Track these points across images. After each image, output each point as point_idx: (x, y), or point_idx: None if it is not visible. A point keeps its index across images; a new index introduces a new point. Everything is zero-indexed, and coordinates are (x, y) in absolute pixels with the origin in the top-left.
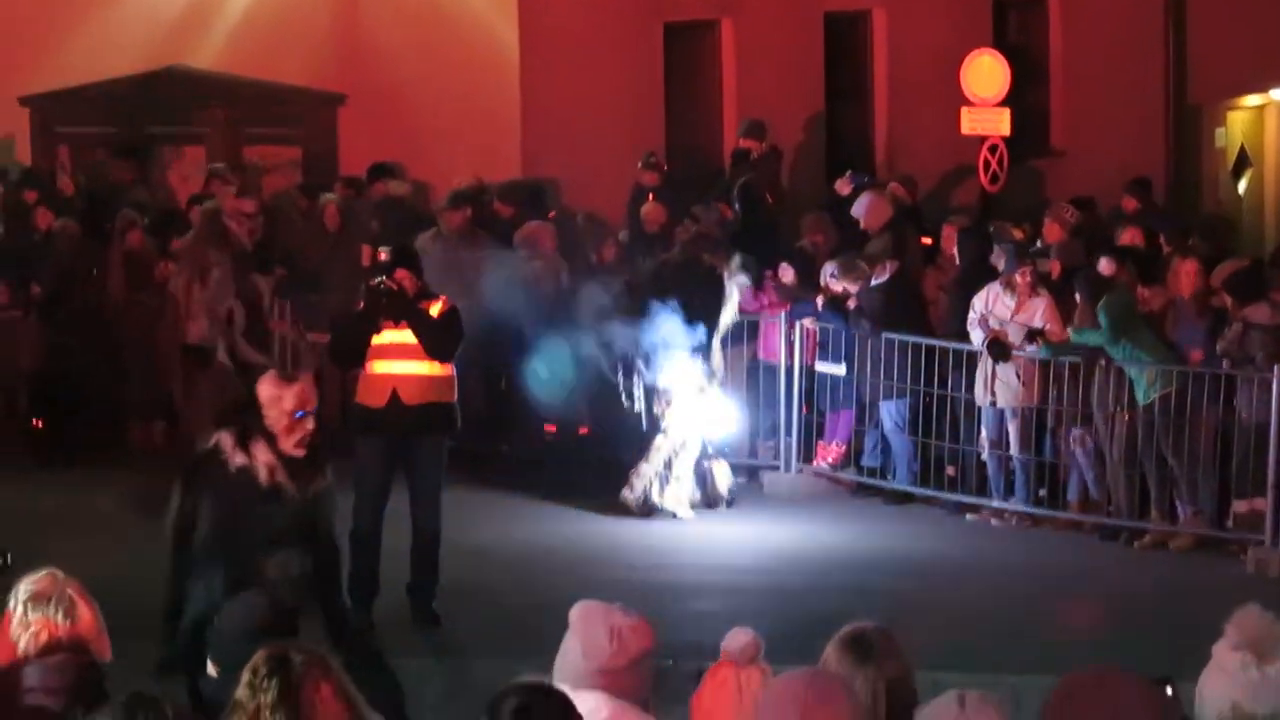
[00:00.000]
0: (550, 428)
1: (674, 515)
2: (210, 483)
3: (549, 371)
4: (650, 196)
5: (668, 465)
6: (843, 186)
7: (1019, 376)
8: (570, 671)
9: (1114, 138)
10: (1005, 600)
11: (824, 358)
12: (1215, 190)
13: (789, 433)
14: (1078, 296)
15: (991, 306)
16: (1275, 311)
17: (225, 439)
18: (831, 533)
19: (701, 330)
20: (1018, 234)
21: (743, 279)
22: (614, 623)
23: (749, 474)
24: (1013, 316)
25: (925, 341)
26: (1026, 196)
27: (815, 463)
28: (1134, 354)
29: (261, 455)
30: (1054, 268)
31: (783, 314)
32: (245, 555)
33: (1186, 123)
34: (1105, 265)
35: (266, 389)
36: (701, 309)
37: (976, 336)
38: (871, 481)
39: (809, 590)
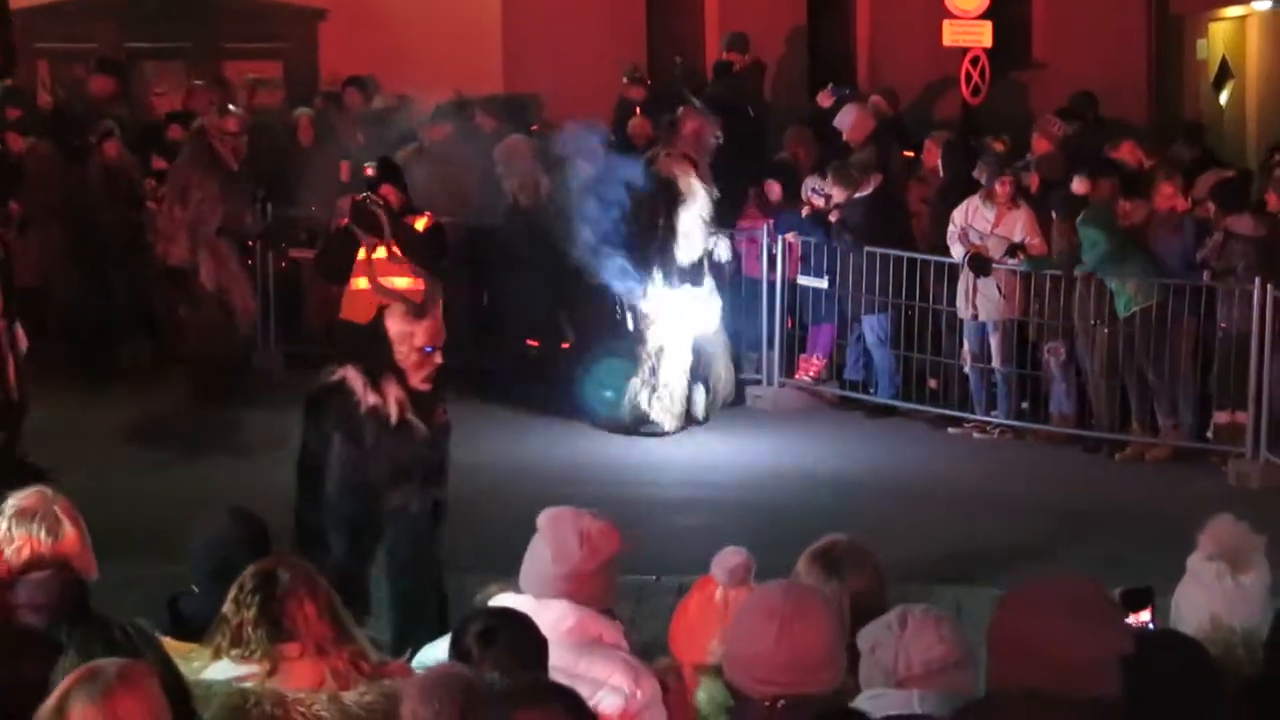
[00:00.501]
0: (533, 342)
1: (662, 427)
2: (340, 420)
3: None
4: (636, 110)
5: (653, 373)
6: (824, 99)
7: (1000, 290)
8: (537, 578)
9: (1095, 49)
10: (986, 513)
11: (806, 271)
12: (1197, 102)
13: (771, 347)
14: (1054, 214)
15: (971, 220)
16: (1259, 223)
17: (354, 376)
18: (814, 447)
19: (674, 248)
20: (999, 146)
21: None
22: (583, 526)
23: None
24: (992, 230)
25: (907, 255)
26: (1009, 109)
27: (797, 376)
28: (1116, 268)
29: (393, 392)
30: (1033, 181)
31: (765, 227)
32: (374, 491)
33: (1168, 34)
34: (1079, 184)
35: (396, 324)
36: (669, 228)
37: (957, 250)
38: (854, 395)
39: (791, 505)
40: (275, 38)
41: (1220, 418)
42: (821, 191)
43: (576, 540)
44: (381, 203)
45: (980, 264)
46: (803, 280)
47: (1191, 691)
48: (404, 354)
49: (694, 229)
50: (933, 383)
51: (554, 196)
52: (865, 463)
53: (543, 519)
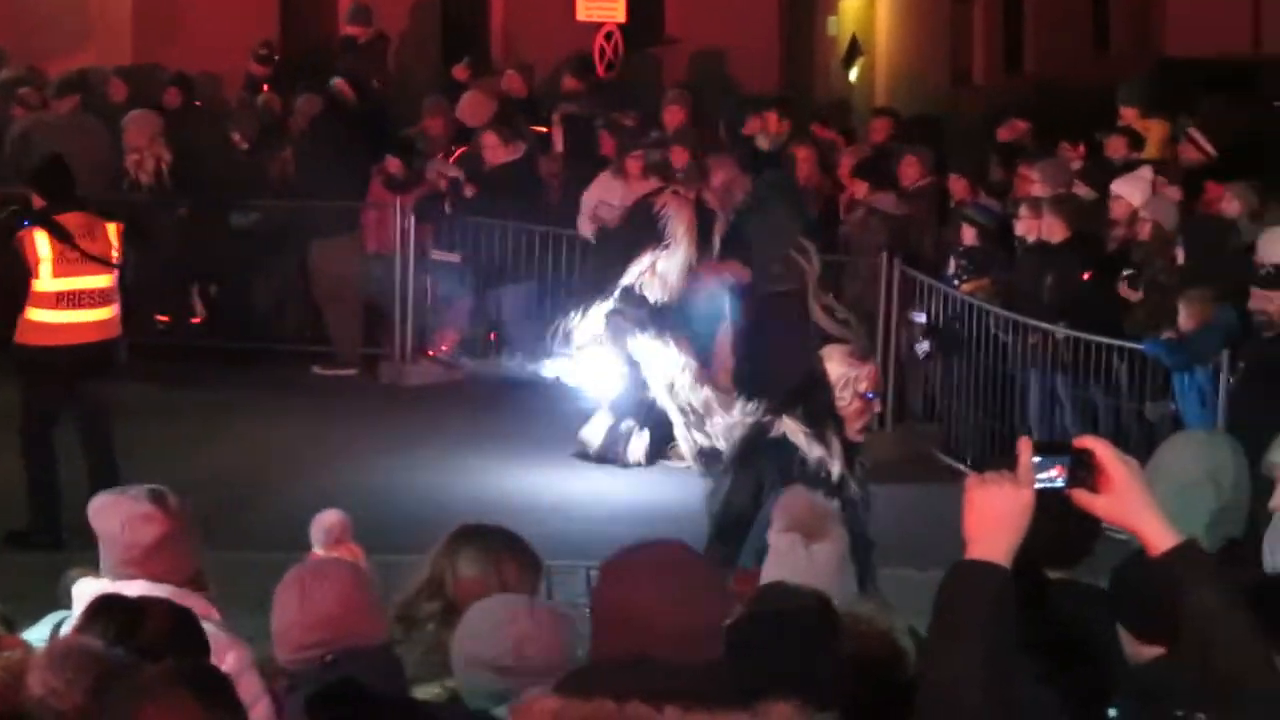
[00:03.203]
0: (163, 318)
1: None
2: (780, 474)
3: None
4: (264, 87)
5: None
6: (460, 73)
7: None
8: (105, 567)
9: (727, 26)
10: None
11: (438, 246)
12: (828, 79)
13: (404, 322)
14: None
15: (603, 195)
16: (901, 201)
17: (794, 429)
18: (450, 422)
19: None
20: (629, 122)
21: None
22: (124, 512)
23: (366, 362)
24: (621, 201)
25: (540, 229)
26: (642, 83)
27: (430, 352)
28: None
29: (835, 445)
30: (677, 156)
31: (398, 203)
32: None
33: (799, 11)
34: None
35: (838, 367)
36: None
37: (587, 228)
38: (486, 370)
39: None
40: None
41: None
42: (447, 173)
43: (119, 526)
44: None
45: None
46: (436, 255)
47: (794, 647)
48: (845, 400)
49: (670, 276)
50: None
51: (177, 171)
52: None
53: (90, 508)
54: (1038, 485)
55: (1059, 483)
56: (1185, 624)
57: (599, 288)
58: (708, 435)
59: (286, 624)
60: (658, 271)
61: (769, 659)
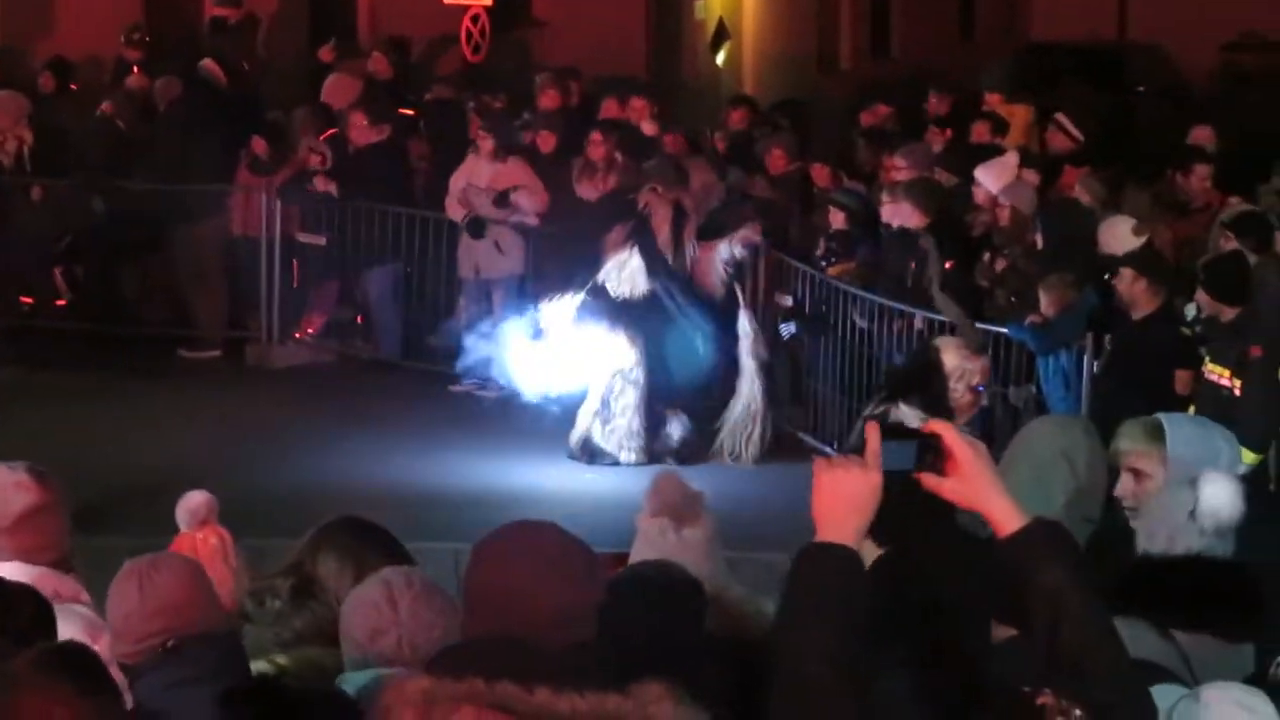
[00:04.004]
0: (27, 299)
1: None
2: None
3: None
4: (135, 70)
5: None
6: (326, 55)
7: (499, 248)
8: None
9: (594, 8)
10: None
11: (305, 228)
12: (695, 62)
13: (270, 305)
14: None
15: (470, 177)
16: (768, 186)
17: (911, 416)
18: (315, 404)
19: None
20: (498, 104)
21: None
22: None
23: (232, 345)
24: (488, 184)
25: (406, 211)
26: (510, 66)
27: (297, 335)
28: None
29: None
30: (545, 141)
31: (265, 186)
32: None
33: None
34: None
35: (954, 359)
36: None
37: (456, 212)
38: (352, 354)
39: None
40: None
41: None
42: (318, 150)
43: None
44: None
45: (477, 227)
46: (302, 237)
47: (661, 626)
48: (959, 393)
49: (638, 273)
50: (432, 340)
51: (39, 154)
52: (363, 419)
53: None
54: (886, 468)
55: (908, 465)
56: (1033, 602)
57: (568, 279)
58: (604, 431)
59: (124, 613)
60: (627, 268)
61: (639, 637)
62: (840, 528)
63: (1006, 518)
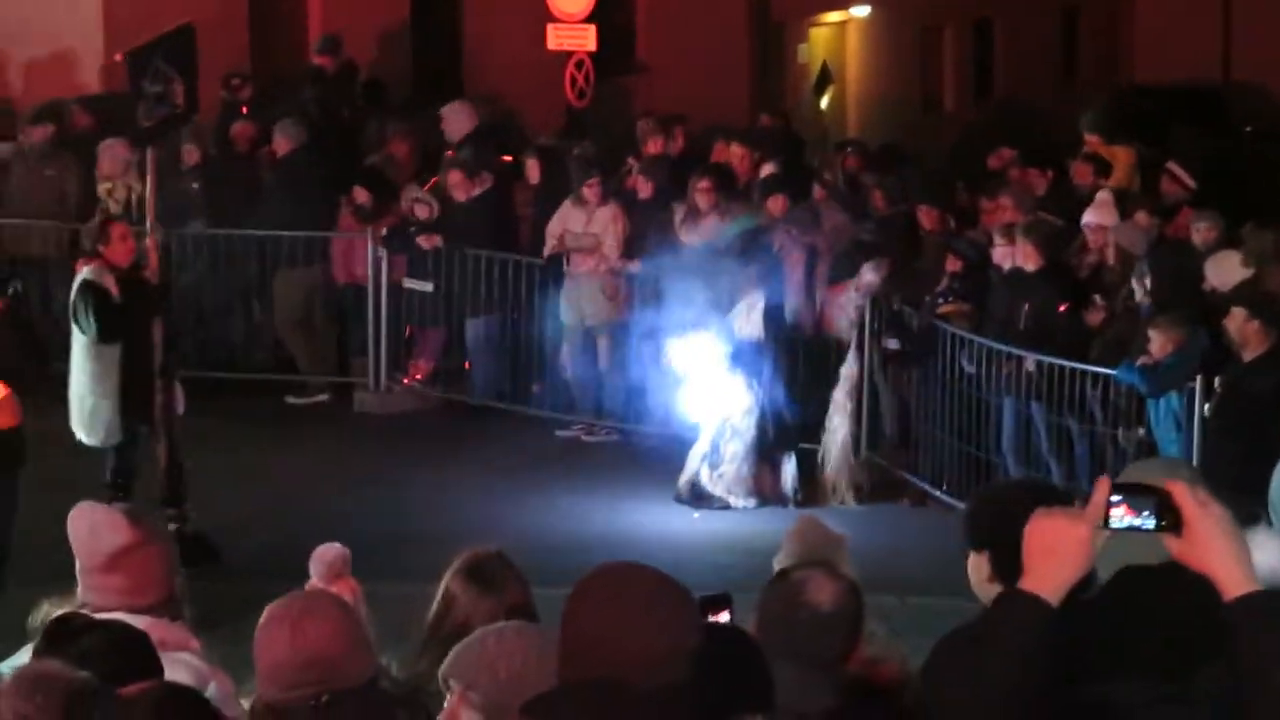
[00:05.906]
0: None
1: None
2: None
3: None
4: (243, 110)
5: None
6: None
7: (604, 293)
8: (79, 590)
9: (698, 54)
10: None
11: (412, 274)
12: (799, 106)
13: (378, 350)
14: None
15: (566, 223)
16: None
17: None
18: (420, 448)
19: None
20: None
21: None
22: (93, 518)
23: (338, 391)
24: (586, 230)
25: (513, 258)
26: (613, 112)
27: (405, 381)
28: None
29: None
30: (644, 187)
31: (370, 232)
32: None
33: (770, 39)
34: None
35: None
36: None
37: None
38: (457, 397)
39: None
40: None
41: None
42: (425, 200)
43: (86, 530)
44: None
45: (556, 267)
46: (408, 283)
47: (745, 678)
48: None
49: (763, 315)
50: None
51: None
52: (471, 464)
53: (70, 514)
54: (1124, 524)
55: (1147, 524)
56: (1238, 669)
57: (697, 318)
58: (712, 476)
59: (273, 662)
60: (755, 310)
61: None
62: (1042, 578)
63: (1230, 583)
